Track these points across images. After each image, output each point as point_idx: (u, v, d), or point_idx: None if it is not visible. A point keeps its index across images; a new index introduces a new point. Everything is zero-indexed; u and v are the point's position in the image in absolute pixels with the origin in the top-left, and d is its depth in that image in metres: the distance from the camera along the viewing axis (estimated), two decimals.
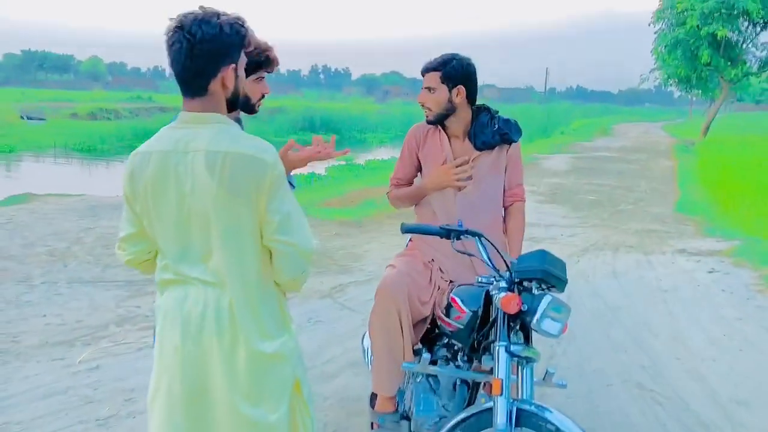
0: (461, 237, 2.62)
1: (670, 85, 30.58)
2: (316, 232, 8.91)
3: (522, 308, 2.39)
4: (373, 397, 3.12)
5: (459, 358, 2.85)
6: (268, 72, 2.85)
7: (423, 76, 3.20)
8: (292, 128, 35.96)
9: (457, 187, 3.09)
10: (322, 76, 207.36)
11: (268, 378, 2.09)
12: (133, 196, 2.07)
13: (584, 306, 6.07)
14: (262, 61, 2.79)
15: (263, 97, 2.88)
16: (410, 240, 3.30)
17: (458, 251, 2.60)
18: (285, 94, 79.10)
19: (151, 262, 2.21)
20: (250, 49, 2.21)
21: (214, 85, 2.03)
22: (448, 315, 2.82)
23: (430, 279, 3.08)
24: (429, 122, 3.22)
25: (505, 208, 3.32)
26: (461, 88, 3.13)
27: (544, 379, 2.64)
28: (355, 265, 7.40)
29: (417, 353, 3.10)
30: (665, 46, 28.46)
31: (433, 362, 2.98)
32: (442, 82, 3.12)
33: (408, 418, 3.00)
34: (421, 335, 3.06)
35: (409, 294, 2.95)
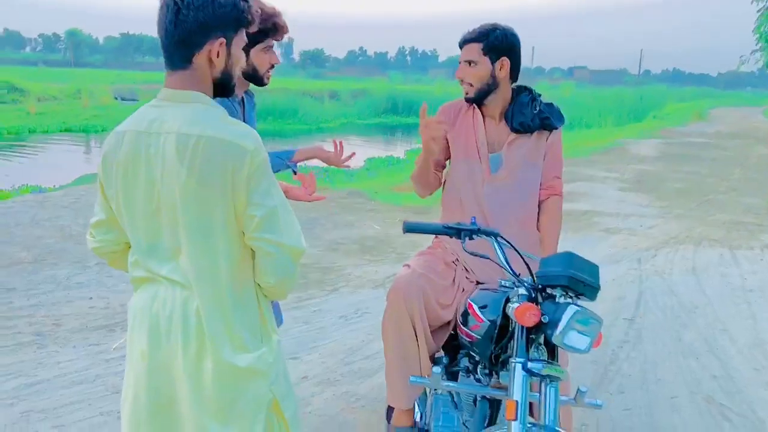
0: (474, 236, 2.27)
1: None
2: (381, 218, 8.67)
3: (543, 320, 2.03)
4: (390, 410, 2.83)
5: (479, 371, 2.51)
6: (277, 40, 2.63)
7: (461, 48, 2.86)
8: (375, 111, 35.76)
9: (426, 139, 2.68)
10: (408, 58, 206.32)
11: (239, 395, 1.84)
12: (106, 179, 1.87)
13: (656, 305, 5.59)
14: (269, 29, 2.55)
15: (272, 67, 2.65)
16: (436, 236, 2.98)
17: (471, 253, 2.25)
18: (370, 76, 78.93)
19: (120, 255, 2.01)
20: (254, 29, 1.95)
21: (199, 59, 1.79)
22: (465, 323, 2.48)
23: (454, 280, 2.75)
24: (468, 100, 2.88)
25: (540, 203, 2.94)
26: (505, 61, 2.79)
27: (575, 399, 2.26)
28: (413, 255, 7.09)
29: (438, 362, 2.78)
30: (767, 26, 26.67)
31: (453, 374, 2.67)
32: (484, 54, 2.78)
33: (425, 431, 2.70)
34: (443, 342, 2.74)
35: (425, 297, 2.63)
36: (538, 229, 2.90)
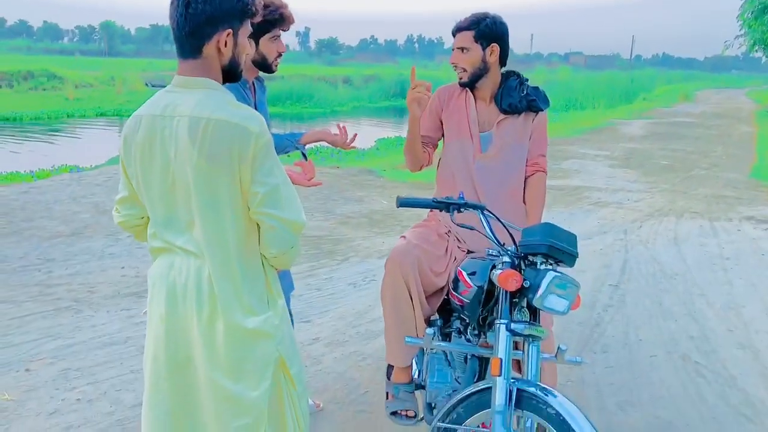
0: (462, 209, 2.28)
1: (756, 51, 28.25)
2: (388, 193, 8.68)
3: (525, 285, 2.05)
4: (390, 368, 2.86)
5: (469, 332, 2.54)
6: (284, 30, 2.62)
7: (454, 36, 2.85)
8: (385, 95, 35.58)
9: (409, 100, 2.66)
10: (416, 45, 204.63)
11: (248, 354, 1.86)
12: (126, 159, 1.89)
13: (639, 272, 5.59)
14: (276, 19, 2.55)
15: (280, 55, 2.65)
16: (431, 210, 2.99)
17: (459, 225, 2.27)
18: (381, 63, 78.38)
19: (143, 228, 2.03)
20: (259, 19, 1.96)
21: (208, 49, 1.80)
22: (456, 289, 2.51)
23: (447, 250, 2.76)
24: (462, 84, 2.88)
25: (526, 178, 2.93)
26: (495, 47, 2.78)
27: (556, 356, 2.28)
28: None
29: (432, 324, 2.81)
30: (752, 12, 26.22)
31: (446, 334, 2.70)
32: (476, 41, 2.77)
33: (424, 388, 2.74)
34: (437, 306, 2.76)
35: (420, 265, 2.64)
36: (524, 202, 2.90)
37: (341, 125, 3.04)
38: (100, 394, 3.42)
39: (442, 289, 2.72)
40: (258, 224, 1.86)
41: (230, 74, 1.90)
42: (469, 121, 2.85)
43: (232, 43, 1.83)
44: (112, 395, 3.40)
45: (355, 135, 3.04)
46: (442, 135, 2.97)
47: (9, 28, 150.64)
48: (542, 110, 2.86)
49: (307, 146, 3.03)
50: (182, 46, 1.82)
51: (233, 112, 1.77)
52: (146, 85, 33.28)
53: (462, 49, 2.80)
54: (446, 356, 2.67)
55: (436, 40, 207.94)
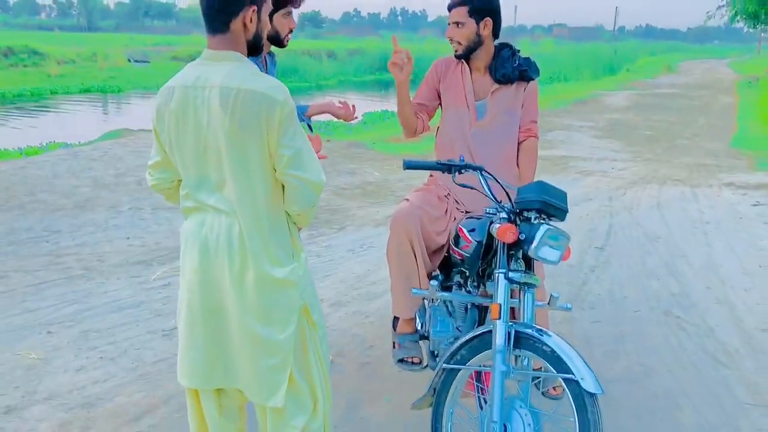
0: (462, 171, 2.52)
1: (737, 21, 28.57)
2: (380, 165, 8.89)
3: (520, 237, 2.30)
4: (396, 320, 3.11)
5: (469, 284, 2.79)
6: (295, 7, 2.81)
7: (450, 11, 3.06)
8: (370, 69, 35.61)
9: (390, 64, 2.96)
10: (400, 18, 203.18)
11: (276, 300, 2.08)
12: (160, 127, 2.07)
13: (623, 235, 5.87)
14: None
15: (291, 31, 2.84)
16: (430, 175, 3.22)
17: (460, 185, 2.51)
18: (363, 36, 77.90)
19: (174, 190, 2.21)
20: None
21: (235, 24, 2.00)
22: (457, 244, 2.76)
23: (447, 211, 3.01)
24: (458, 56, 3.09)
25: (519, 143, 3.16)
26: (488, 21, 3.00)
27: (549, 303, 2.54)
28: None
29: (435, 278, 3.06)
30: None
31: (447, 288, 2.95)
32: (470, 16, 2.98)
33: (427, 338, 2.99)
34: (438, 262, 3.01)
35: (422, 224, 2.89)
36: (517, 165, 3.13)
37: (350, 104, 3.22)
38: (121, 352, 3.64)
39: (442, 247, 2.96)
40: (283, 184, 2.07)
41: (253, 48, 2.10)
42: (466, 92, 3.08)
43: (257, 18, 2.03)
44: (132, 353, 3.63)
45: (354, 107, 3.23)
46: (439, 104, 3.19)
47: None
48: (533, 79, 3.08)
49: (312, 119, 3.23)
50: (212, 22, 2.01)
51: (260, 82, 1.98)
52: (129, 60, 33.00)
53: (457, 23, 3.01)
54: (447, 308, 2.92)
55: (420, 13, 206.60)
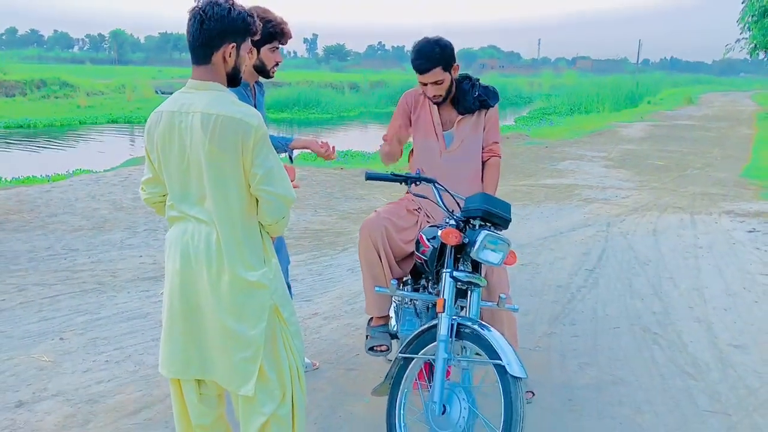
0: (417, 183, 2.89)
1: (758, 54, 28.69)
2: (389, 192, 9.20)
3: (464, 241, 2.63)
4: (371, 318, 3.45)
5: (431, 286, 3.10)
6: (282, 44, 3.15)
7: (423, 74, 3.28)
8: (391, 100, 36.06)
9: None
10: None
11: (248, 300, 2.35)
12: (150, 147, 2.38)
13: (615, 259, 6.08)
14: (276, 33, 3.09)
15: (277, 64, 3.18)
16: (407, 192, 3.53)
17: (416, 195, 2.84)
18: (388, 68, 79.16)
19: (163, 204, 2.50)
20: (257, 37, 2.48)
21: (216, 57, 2.32)
22: (418, 249, 3.11)
23: (417, 222, 3.36)
24: (437, 103, 3.42)
25: (484, 162, 3.49)
26: (457, 66, 3.35)
27: (498, 304, 2.87)
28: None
29: (406, 283, 3.41)
30: (752, 16, 26.69)
31: (417, 290, 3.30)
32: (444, 71, 3.29)
33: (397, 337, 3.29)
34: (410, 269, 3.34)
35: (388, 233, 3.24)
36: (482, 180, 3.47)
37: (325, 142, 3.48)
38: (126, 357, 3.95)
39: (412, 254, 3.27)
40: (257, 198, 2.37)
41: (232, 80, 2.42)
42: (434, 124, 3.46)
43: (235, 54, 2.36)
44: (135, 358, 3.93)
45: (334, 147, 3.47)
46: (410, 132, 3.58)
47: (21, 37, 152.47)
48: (492, 106, 3.42)
49: (295, 152, 3.53)
50: (196, 55, 2.34)
51: (237, 109, 2.29)
52: (156, 92, 34.04)
53: (437, 82, 3.30)
54: (415, 309, 3.26)
55: None
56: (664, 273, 5.70)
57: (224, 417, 2.63)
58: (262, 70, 3.16)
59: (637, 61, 75.05)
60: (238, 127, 2.24)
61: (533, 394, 3.47)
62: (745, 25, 27.28)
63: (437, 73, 3.26)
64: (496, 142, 3.50)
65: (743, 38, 28.28)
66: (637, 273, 5.70)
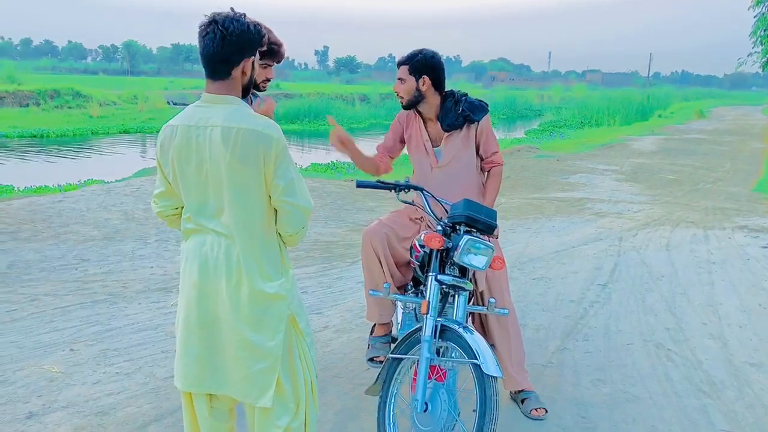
0: (406, 190, 3.05)
1: None
2: (399, 204, 9.17)
3: (448, 245, 2.73)
4: (373, 326, 3.62)
5: (423, 290, 3.18)
6: (276, 62, 3.22)
7: (397, 68, 3.50)
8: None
9: (332, 142, 3.42)
10: None
11: (266, 312, 2.35)
12: (163, 161, 2.37)
13: (628, 274, 6.02)
14: (272, 51, 3.14)
15: (268, 80, 3.23)
16: (412, 202, 3.56)
17: (404, 202, 3.06)
18: None
19: (176, 217, 2.50)
20: (264, 48, 2.49)
21: (236, 72, 2.31)
22: (412, 255, 3.24)
23: (419, 231, 3.45)
24: (403, 107, 3.55)
25: (487, 172, 3.64)
26: (426, 78, 3.42)
27: (487, 308, 2.96)
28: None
29: (407, 289, 3.52)
30: (764, 30, 26.56)
31: (416, 295, 3.41)
32: (410, 74, 3.43)
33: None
34: (411, 276, 3.46)
35: (389, 241, 3.38)
36: (483, 189, 3.61)
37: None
38: (136, 369, 3.93)
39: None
40: (276, 209, 2.36)
41: (245, 91, 2.42)
42: (423, 141, 3.56)
43: (252, 66, 2.36)
44: (146, 370, 3.92)
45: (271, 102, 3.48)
46: (403, 148, 3.72)
47: (35, 48, 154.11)
48: (477, 121, 3.48)
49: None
50: (214, 70, 2.32)
51: (257, 122, 2.28)
52: (168, 103, 34.32)
53: (400, 80, 3.46)
54: (415, 314, 3.36)
55: (454, 58, 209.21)
56: (677, 288, 5.64)
57: (235, 431, 2.60)
58: (254, 85, 3.21)
59: (648, 75, 75.09)
60: (259, 140, 2.24)
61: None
62: (757, 39, 27.10)
63: (403, 71, 3.44)
64: (495, 152, 3.61)
65: (755, 52, 28.09)
66: (650, 288, 5.64)
